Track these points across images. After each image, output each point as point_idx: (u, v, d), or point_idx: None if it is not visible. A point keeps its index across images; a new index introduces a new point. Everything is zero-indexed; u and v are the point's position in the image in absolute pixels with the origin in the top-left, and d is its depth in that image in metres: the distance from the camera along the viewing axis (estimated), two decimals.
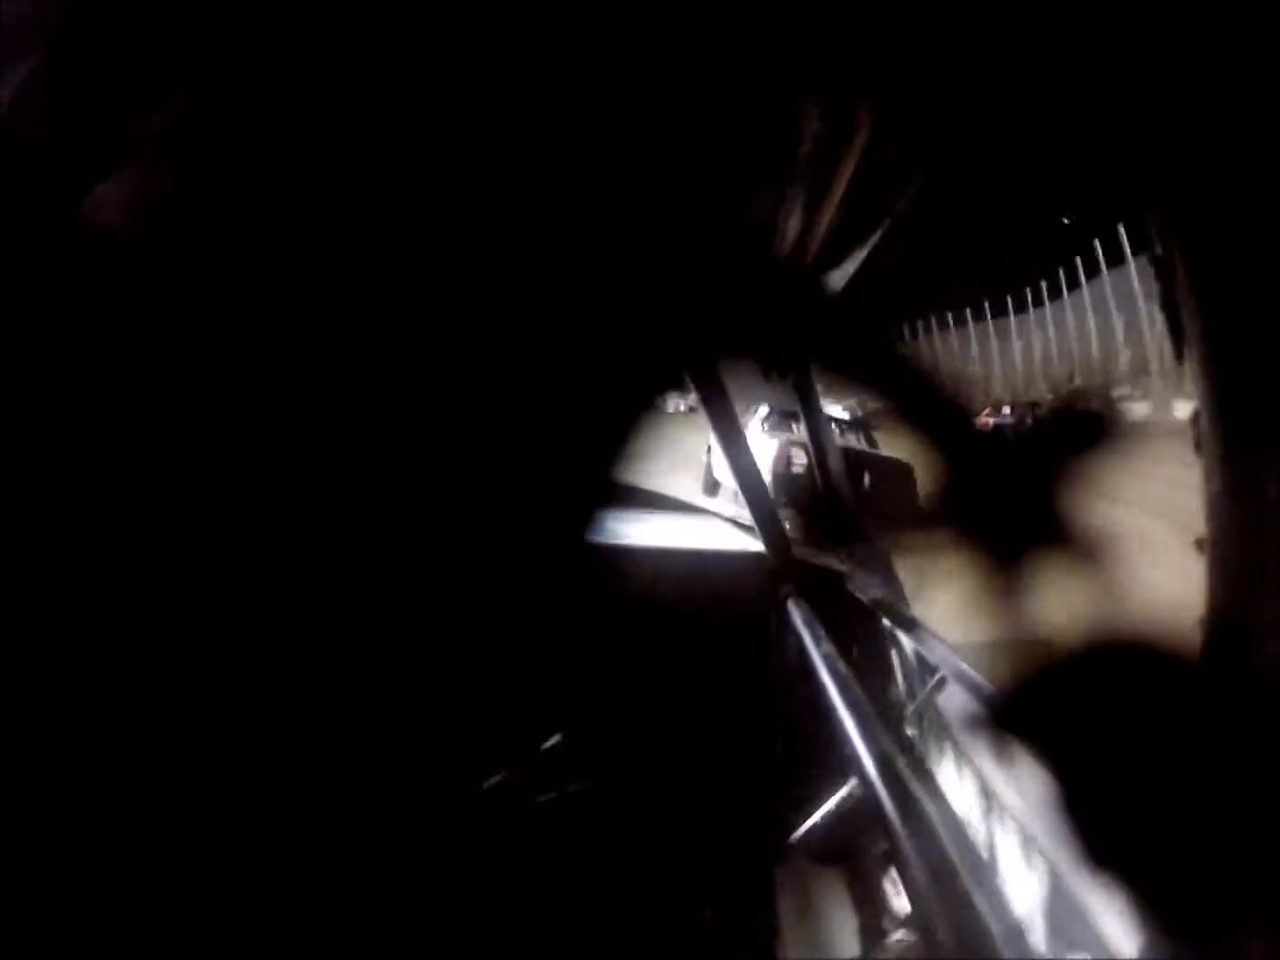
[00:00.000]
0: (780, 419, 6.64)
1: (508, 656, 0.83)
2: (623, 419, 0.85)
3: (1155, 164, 0.40)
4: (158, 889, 0.54)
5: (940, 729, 1.23)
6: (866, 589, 1.62)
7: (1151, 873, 0.44)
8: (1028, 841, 0.86)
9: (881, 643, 1.52)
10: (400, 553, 0.69)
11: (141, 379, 0.57)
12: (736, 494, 1.86)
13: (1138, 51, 0.38)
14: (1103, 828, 0.67)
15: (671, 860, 1.36)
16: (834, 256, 1.18)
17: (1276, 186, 0.34)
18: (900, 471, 6.07)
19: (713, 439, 1.88)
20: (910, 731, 1.29)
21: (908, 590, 1.77)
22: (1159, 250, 0.40)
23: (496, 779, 1.32)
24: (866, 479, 5.85)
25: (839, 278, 1.26)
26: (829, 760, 1.39)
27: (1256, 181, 0.35)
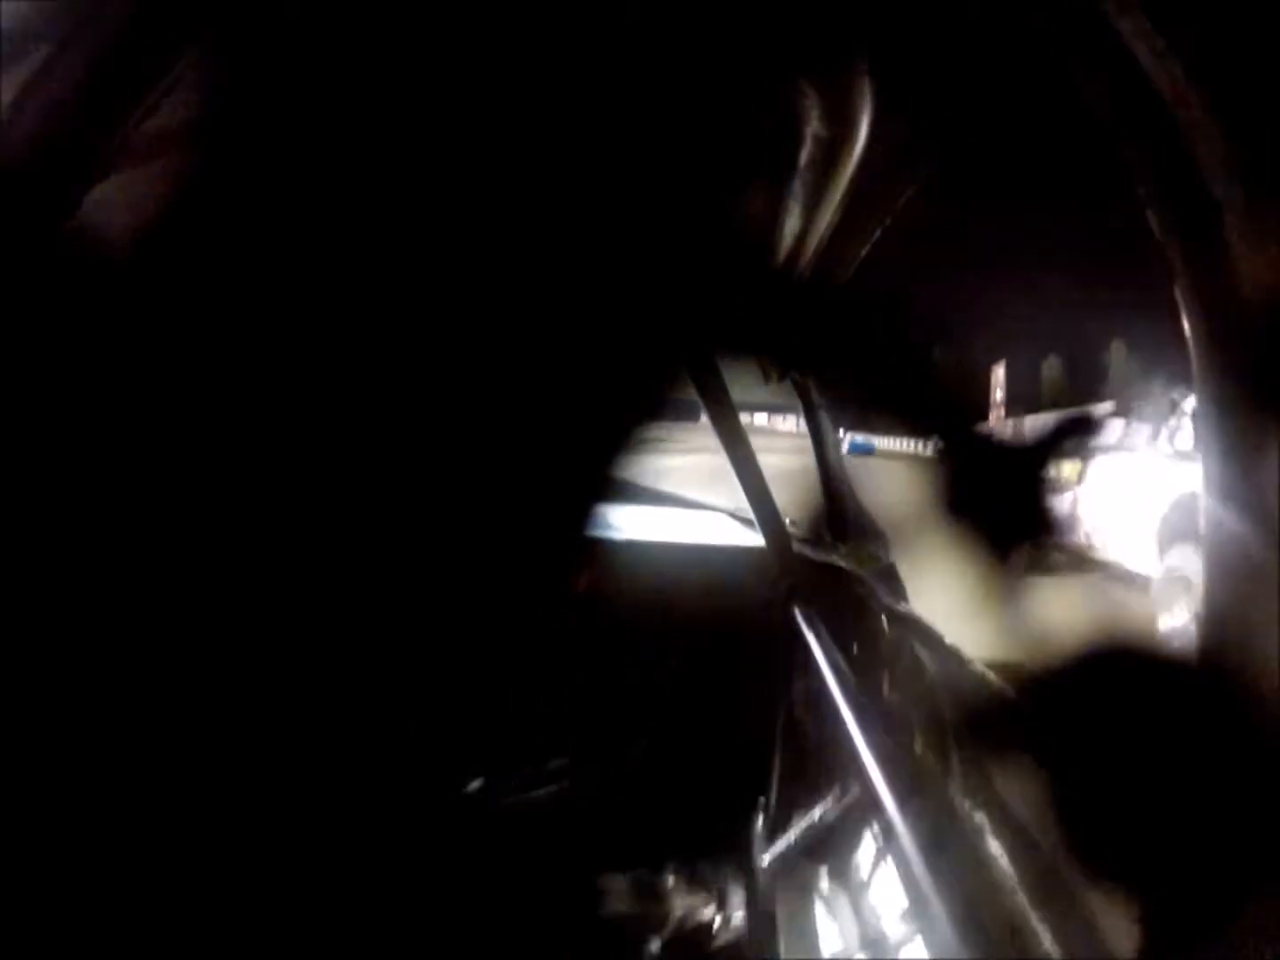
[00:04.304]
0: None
1: (507, 651, 0.83)
2: (624, 418, 0.85)
3: (1156, 163, 0.40)
4: (154, 886, 0.54)
5: (940, 728, 1.23)
6: (868, 587, 1.62)
7: (1151, 873, 0.44)
8: (1028, 841, 0.86)
9: (882, 641, 1.52)
10: (400, 549, 0.69)
11: (141, 377, 0.57)
12: None
13: (1140, 51, 0.38)
14: (1103, 828, 0.67)
15: (670, 859, 1.36)
16: (834, 257, 1.18)
17: (1275, 185, 0.34)
18: None
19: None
20: (910, 731, 1.29)
21: (910, 589, 1.77)
22: (1160, 250, 0.40)
23: (495, 775, 1.32)
24: None
25: (839, 278, 1.25)
26: (829, 759, 1.39)
27: (1256, 180, 0.35)
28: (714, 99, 0.74)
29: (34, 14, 0.55)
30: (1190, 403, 4.54)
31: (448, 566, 0.72)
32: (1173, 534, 3.76)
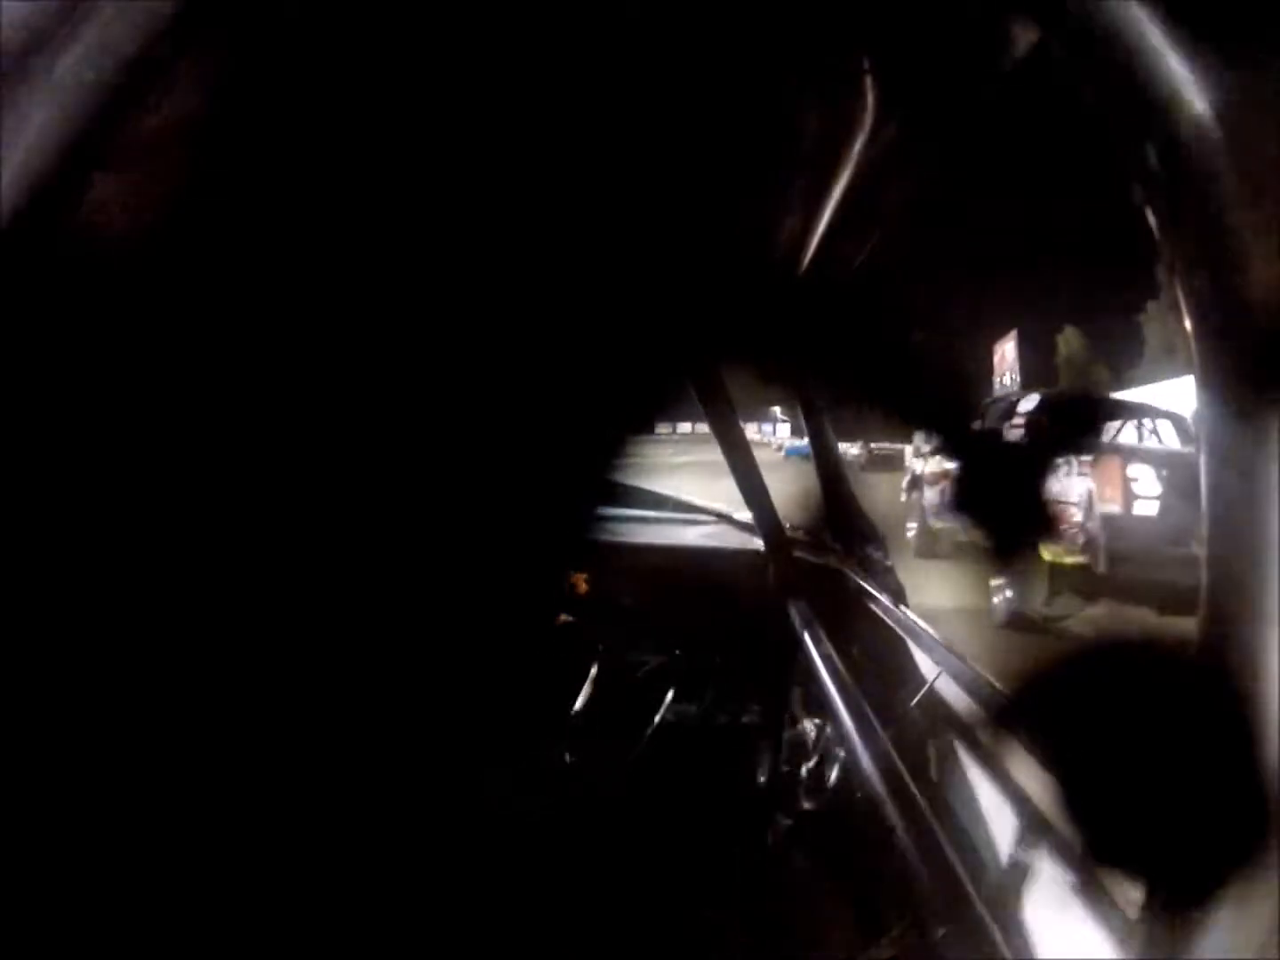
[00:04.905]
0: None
1: (507, 655, 0.83)
2: (623, 421, 0.85)
3: (1155, 160, 0.40)
4: (157, 889, 0.54)
5: (940, 728, 1.23)
6: (866, 588, 1.62)
7: (1151, 872, 0.44)
8: (1028, 841, 0.86)
9: (881, 642, 1.52)
10: (398, 552, 0.69)
11: (141, 377, 0.57)
12: None
13: (1139, 47, 0.38)
14: (1102, 826, 0.67)
15: (671, 860, 1.36)
16: (834, 257, 1.18)
17: (1274, 184, 0.35)
18: None
19: None
20: (910, 731, 1.29)
21: (909, 588, 1.78)
22: (1161, 249, 0.41)
23: (495, 778, 1.32)
24: None
25: (838, 278, 1.26)
26: (829, 760, 1.39)
27: (1258, 176, 0.35)
28: (713, 99, 0.74)
29: (34, 14, 0.55)
30: (1026, 403, 5.44)
31: (447, 568, 0.72)
32: None
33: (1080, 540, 4.10)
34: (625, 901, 1.27)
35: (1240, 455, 0.38)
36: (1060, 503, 4.18)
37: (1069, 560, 4.09)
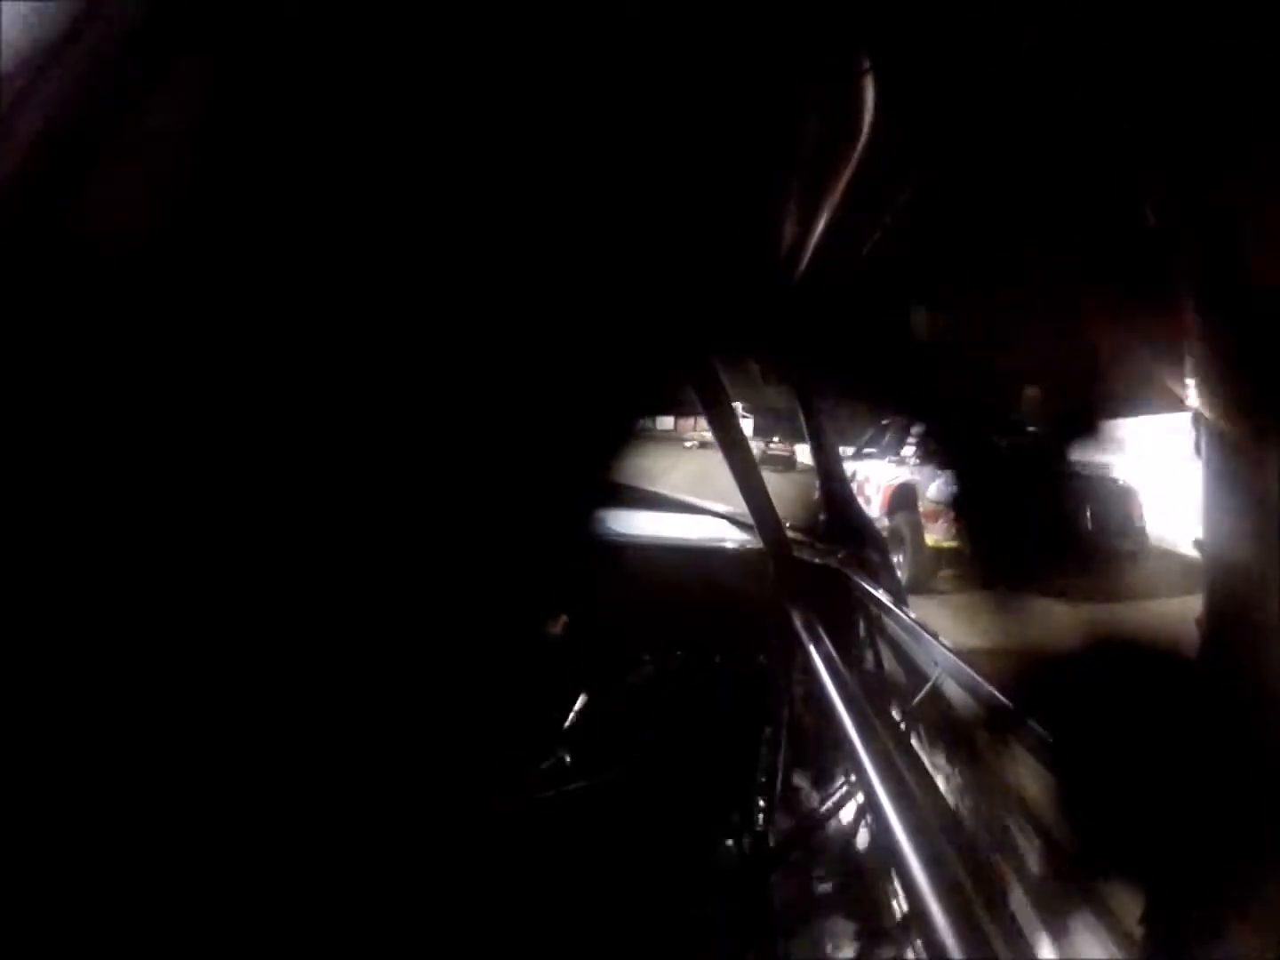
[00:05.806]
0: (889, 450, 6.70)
1: (506, 654, 0.83)
2: (623, 420, 0.86)
3: (1158, 158, 0.40)
4: (158, 891, 0.54)
5: (940, 729, 1.24)
6: (866, 588, 1.62)
7: (1151, 871, 0.44)
8: (1028, 841, 0.86)
9: (881, 642, 1.52)
10: (399, 552, 0.69)
11: (141, 376, 0.57)
12: None
13: (1140, 50, 0.38)
14: (1102, 826, 0.67)
15: (672, 860, 1.36)
16: (833, 259, 1.18)
17: (1274, 189, 0.35)
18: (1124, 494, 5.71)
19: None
20: (910, 731, 1.29)
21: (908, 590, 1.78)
22: (1161, 253, 0.41)
23: (495, 777, 1.32)
24: (1089, 510, 5.26)
25: (838, 280, 1.26)
26: (829, 760, 1.39)
27: (1253, 184, 0.35)
28: (714, 99, 0.74)
29: (34, 14, 0.55)
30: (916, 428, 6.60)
31: (447, 568, 0.72)
32: (896, 505, 6.14)
33: (954, 530, 5.60)
34: (622, 901, 1.27)
35: (1240, 455, 0.38)
36: (939, 503, 5.76)
37: (946, 544, 5.56)
